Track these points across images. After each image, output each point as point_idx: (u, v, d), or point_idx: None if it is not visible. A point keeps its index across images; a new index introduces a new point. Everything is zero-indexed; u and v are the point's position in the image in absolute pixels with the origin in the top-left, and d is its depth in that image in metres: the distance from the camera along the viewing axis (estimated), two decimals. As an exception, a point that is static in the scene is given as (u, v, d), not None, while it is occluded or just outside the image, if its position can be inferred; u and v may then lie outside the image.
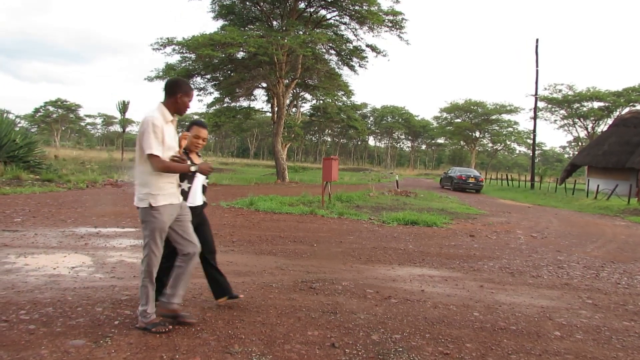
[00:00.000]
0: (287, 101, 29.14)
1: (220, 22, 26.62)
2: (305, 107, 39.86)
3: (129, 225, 8.10)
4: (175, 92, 3.40)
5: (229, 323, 3.65)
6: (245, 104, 29.09)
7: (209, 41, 20.86)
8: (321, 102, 32.94)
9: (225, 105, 27.69)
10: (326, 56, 27.64)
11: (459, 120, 63.39)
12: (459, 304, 4.57)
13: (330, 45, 26.43)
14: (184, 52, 23.33)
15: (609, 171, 30.09)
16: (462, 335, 3.71)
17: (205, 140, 3.85)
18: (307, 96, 34.88)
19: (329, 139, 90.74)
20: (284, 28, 24.44)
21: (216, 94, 27.88)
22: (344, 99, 30.56)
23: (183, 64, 25.08)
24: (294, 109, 36.48)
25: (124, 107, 35.85)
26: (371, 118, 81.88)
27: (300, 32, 23.60)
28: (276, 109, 26.32)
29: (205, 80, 27.58)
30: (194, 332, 3.41)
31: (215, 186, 19.54)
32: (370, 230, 9.09)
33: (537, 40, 31.52)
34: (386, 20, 24.37)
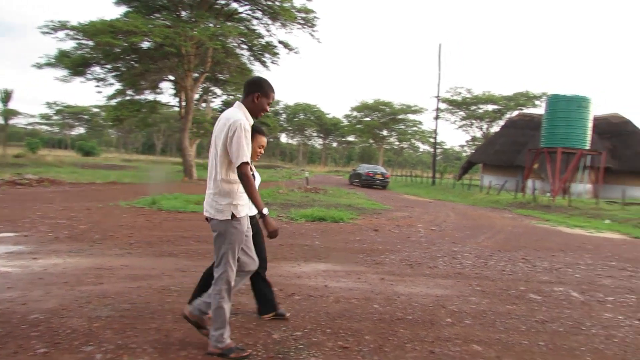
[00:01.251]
0: (197, 96, 28.18)
1: (123, 9, 25.03)
2: (217, 103, 38.87)
3: (6, 230, 7.29)
4: (253, 91, 3.14)
5: (119, 332, 3.38)
6: (150, 97, 27.64)
7: (108, 28, 19.48)
8: (232, 97, 32.30)
9: (128, 98, 26.06)
10: (237, 51, 27.14)
11: (368, 119, 65.63)
12: (360, 297, 4.66)
13: (242, 39, 25.97)
14: (80, 38, 21.60)
15: (500, 168, 32.85)
16: (362, 328, 3.78)
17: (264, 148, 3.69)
18: (219, 91, 34.00)
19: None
20: (193, 19, 23.57)
21: (118, 86, 26.15)
22: (255, 95, 30.13)
23: (79, 51, 23.20)
24: (204, 104, 35.32)
25: (6, 96, 32.38)
26: (284, 115, 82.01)
27: (211, 25, 22.92)
28: (184, 103, 25.34)
29: (106, 70, 25.71)
30: (78, 345, 3.12)
31: (115, 184, 18.39)
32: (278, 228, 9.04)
33: (439, 45, 33.61)
34: (298, 17, 24.47)
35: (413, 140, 71.40)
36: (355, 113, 67.55)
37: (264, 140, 3.63)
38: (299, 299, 4.49)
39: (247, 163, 2.93)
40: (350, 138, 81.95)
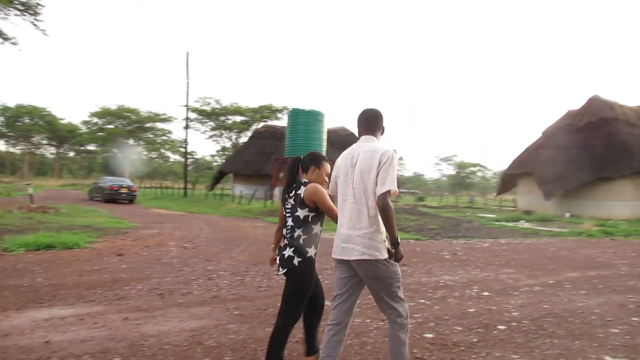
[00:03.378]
0: None
1: None
2: None
3: None
4: (381, 126, 3.15)
5: None
6: None
7: None
8: None
9: None
10: None
11: (111, 126, 59.99)
12: (96, 350, 3.72)
13: None
14: None
15: (249, 178, 34.22)
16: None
17: None
18: None
19: (-63, 143, 70.25)
20: None
21: None
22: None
23: None
24: None
25: None
26: (1, 118, 67.91)
27: None
28: None
29: None
30: None
31: None
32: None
33: (187, 53, 32.91)
34: (15, 2, 20.35)
35: (162, 150, 68.70)
36: (95, 119, 60.84)
37: (329, 168, 3.45)
38: (3, 370, 3.27)
39: (392, 191, 2.79)
40: (91, 147, 73.41)
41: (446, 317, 4.96)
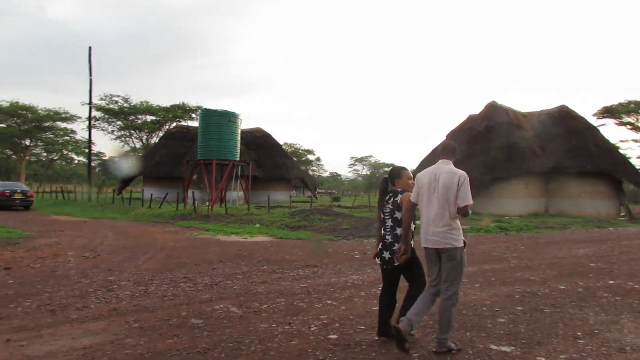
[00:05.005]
0: None
1: None
2: None
3: None
4: (456, 155, 4.27)
5: None
6: None
7: None
8: None
9: None
10: None
11: (3, 125, 54.49)
12: (-32, 378, 3.35)
13: None
14: None
15: (161, 180, 32.87)
16: None
17: None
18: None
19: None
20: None
21: None
22: None
23: None
24: None
25: None
26: None
27: None
28: None
29: None
30: None
31: None
32: None
33: (90, 48, 30.74)
34: None
35: (65, 151, 63.65)
36: (-16, 118, 54.89)
37: (410, 173, 4.48)
38: None
39: (469, 205, 3.95)
40: (-21, 148, 66.25)
41: (351, 317, 5.09)
